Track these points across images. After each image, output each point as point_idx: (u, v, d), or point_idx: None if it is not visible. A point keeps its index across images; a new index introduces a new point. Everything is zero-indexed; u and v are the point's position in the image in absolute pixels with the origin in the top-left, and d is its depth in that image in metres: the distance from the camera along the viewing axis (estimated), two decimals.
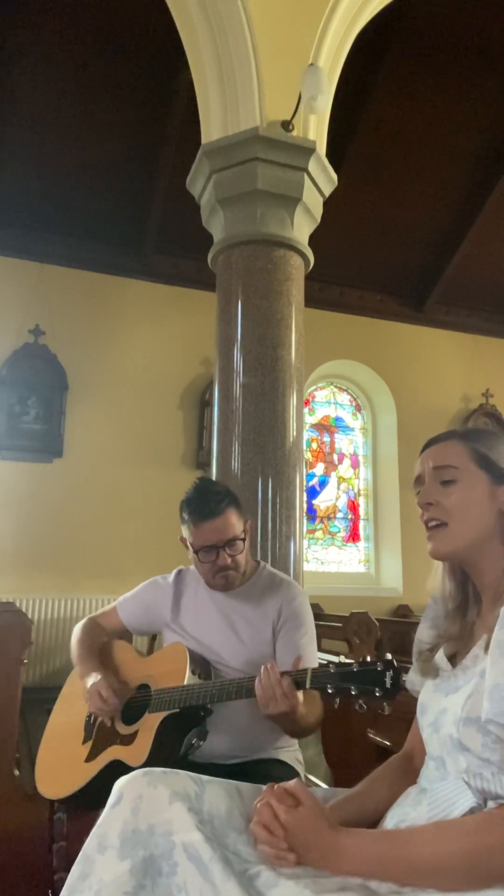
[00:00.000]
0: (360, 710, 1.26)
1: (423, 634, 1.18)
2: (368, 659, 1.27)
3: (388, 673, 1.23)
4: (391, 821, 1.06)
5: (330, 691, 1.29)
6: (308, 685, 1.36)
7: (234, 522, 1.73)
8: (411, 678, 1.18)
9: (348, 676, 1.27)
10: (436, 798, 1.00)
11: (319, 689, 1.33)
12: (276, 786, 1.05)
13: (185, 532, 1.77)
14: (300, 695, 1.42)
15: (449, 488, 1.09)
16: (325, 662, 1.39)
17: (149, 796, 1.02)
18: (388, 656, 1.26)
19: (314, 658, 1.74)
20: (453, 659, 1.10)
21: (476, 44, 5.16)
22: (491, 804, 0.95)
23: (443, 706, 1.04)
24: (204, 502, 1.73)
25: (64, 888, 1.00)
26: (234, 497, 1.79)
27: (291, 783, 1.05)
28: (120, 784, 1.06)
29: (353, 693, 1.26)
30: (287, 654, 1.69)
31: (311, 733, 1.72)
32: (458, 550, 1.09)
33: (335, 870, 0.94)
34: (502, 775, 0.95)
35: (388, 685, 1.22)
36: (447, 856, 0.90)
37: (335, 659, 1.35)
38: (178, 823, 0.98)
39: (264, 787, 1.12)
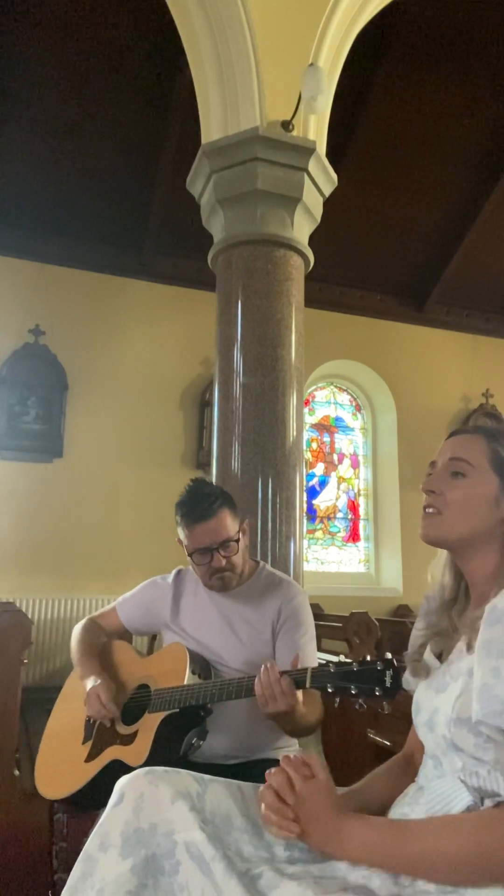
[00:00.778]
0: (360, 710, 1.26)
1: (415, 635, 1.18)
2: (368, 658, 1.27)
3: (387, 672, 1.23)
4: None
5: (330, 690, 1.30)
6: (308, 684, 1.36)
7: (228, 524, 1.73)
8: (408, 678, 1.18)
9: (348, 676, 1.28)
10: (433, 796, 1.00)
11: (319, 688, 1.33)
12: (293, 755, 1.05)
13: (180, 534, 1.77)
14: (300, 694, 1.42)
15: (456, 481, 1.09)
16: (325, 662, 1.39)
17: (151, 795, 1.02)
18: (388, 655, 1.26)
19: (314, 658, 1.74)
20: (440, 656, 1.11)
21: (476, 44, 5.15)
22: (488, 802, 0.95)
23: (435, 705, 1.04)
24: (196, 504, 1.72)
25: (66, 887, 1.00)
26: (228, 497, 1.78)
27: (310, 756, 1.05)
28: (121, 783, 1.06)
29: (352, 692, 1.26)
30: (287, 653, 1.69)
31: (311, 733, 1.72)
32: (445, 540, 1.10)
33: (336, 851, 0.94)
34: (497, 773, 0.95)
35: (387, 684, 1.23)
36: (448, 851, 0.90)
37: (335, 658, 1.35)
38: (179, 823, 0.98)
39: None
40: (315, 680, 1.35)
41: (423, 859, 0.91)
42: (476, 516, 1.07)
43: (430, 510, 1.09)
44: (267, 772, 1.04)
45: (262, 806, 1.01)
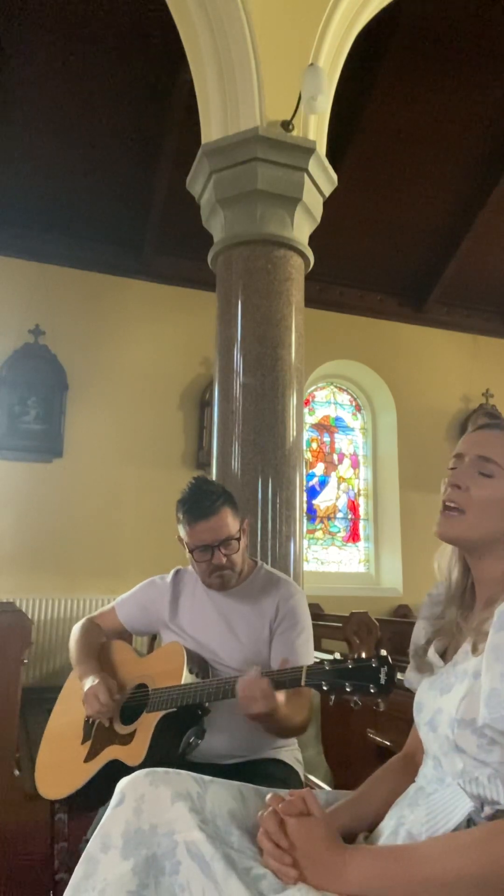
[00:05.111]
0: (356, 707, 1.26)
1: (419, 630, 1.17)
2: (363, 655, 1.27)
3: (382, 669, 1.23)
4: (390, 821, 1.06)
5: (325, 688, 1.29)
6: (303, 682, 1.36)
7: (230, 522, 1.73)
8: (409, 676, 1.18)
9: (343, 673, 1.27)
10: (433, 807, 0.99)
11: (314, 686, 1.33)
12: (287, 794, 1.04)
13: (180, 532, 1.77)
14: (281, 696, 1.43)
15: (484, 480, 1.06)
16: (320, 660, 1.39)
17: (151, 796, 1.02)
18: (383, 652, 1.26)
19: (310, 657, 1.74)
20: (444, 655, 1.10)
21: (476, 43, 5.15)
22: (487, 809, 0.95)
23: (438, 706, 1.04)
24: (198, 502, 1.73)
25: (68, 888, 1.00)
26: (230, 496, 1.79)
27: (302, 791, 1.04)
28: (122, 784, 1.06)
29: (347, 690, 1.25)
30: (283, 652, 1.70)
31: (296, 735, 1.72)
32: (464, 539, 1.08)
33: (339, 887, 0.92)
34: (497, 780, 0.94)
35: (382, 681, 1.22)
36: (454, 870, 0.89)
37: (330, 657, 1.35)
38: (180, 823, 0.98)
39: (265, 790, 1.12)
40: (310, 678, 1.35)
41: (431, 885, 0.89)
42: (499, 518, 1.05)
43: (452, 505, 1.07)
44: (259, 814, 1.03)
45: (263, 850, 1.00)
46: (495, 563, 1.07)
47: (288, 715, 1.52)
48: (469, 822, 0.96)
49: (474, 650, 1.01)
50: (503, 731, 0.92)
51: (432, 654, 1.10)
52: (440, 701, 1.04)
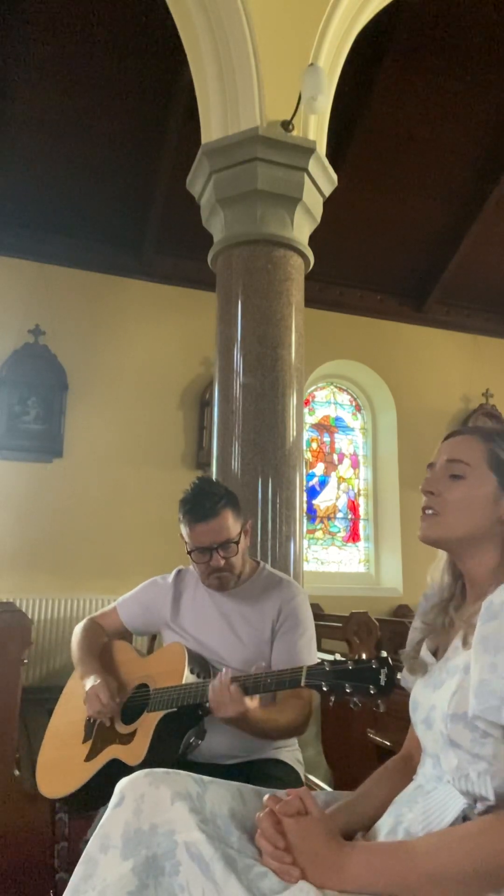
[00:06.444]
0: (355, 708, 1.26)
1: (413, 631, 1.19)
2: (364, 656, 1.27)
3: (382, 670, 1.23)
4: (388, 819, 1.06)
5: (325, 689, 1.30)
6: (303, 683, 1.37)
7: (230, 524, 1.73)
8: (405, 676, 1.18)
9: (343, 674, 1.27)
10: (429, 806, 1.00)
11: (314, 686, 1.33)
12: (286, 793, 1.04)
13: (182, 531, 1.77)
14: (253, 700, 1.45)
15: (455, 482, 1.09)
16: (320, 661, 1.39)
17: (151, 796, 1.02)
18: (384, 654, 1.26)
19: (313, 658, 1.74)
20: (436, 654, 1.11)
21: (477, 43, 5.15)
22: (479, 806, 0.96)
23: (432, 702, 1.05)
24: (199, 503, 1.73)
25: (67, 888, 1.00)
26: (232, 498, 1.78)
27: (299, 790, 1.04)
28: (122, 785, 1.06)
29: (347, 691, 1.26)
30: (285, 653, 1.70)
31: (289, 736, 1.72)
32: (445, 540, 1.10)
33: (338, 883, 0.93)
34: (487, 776, 0.95)
35: (382, 683, 1.22)
36: (451, 864, 0.90)
37: (330, 657, 1.36)
38: (179, 823, 0.98)
39: (265, 791, 1.12)
40: (310, 678, 1.35)
41: (430, 878, 0.90)
42: (476, 516, 1.07)
43: (430, 511, 1.10)
44: (257, 815, 1.03)
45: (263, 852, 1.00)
46: (483, 560, 1.09)
47: (265, 719, 1.52)
48: (465, 819, 0.96)
49: (465, 643, 1.02)
50: (493, 721, 0.93)
51: (424, 653, 1.12)
52: (433, 697, 1.04)
